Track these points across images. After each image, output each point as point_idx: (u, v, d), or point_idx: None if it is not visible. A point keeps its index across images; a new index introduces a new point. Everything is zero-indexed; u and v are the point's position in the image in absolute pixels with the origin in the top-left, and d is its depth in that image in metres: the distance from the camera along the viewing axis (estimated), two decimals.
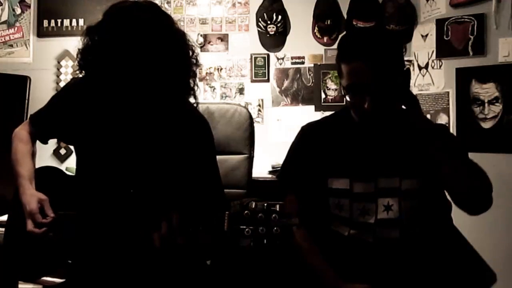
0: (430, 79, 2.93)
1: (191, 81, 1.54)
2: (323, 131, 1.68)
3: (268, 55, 3.32)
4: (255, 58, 3.33)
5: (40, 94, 2.99)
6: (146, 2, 1.50)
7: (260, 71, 3.32)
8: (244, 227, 1.20)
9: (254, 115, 3.18)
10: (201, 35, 3.36)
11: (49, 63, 3.41)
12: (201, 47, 3.32)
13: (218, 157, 1.65)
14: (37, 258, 1.54)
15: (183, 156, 1.54)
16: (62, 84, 3.37)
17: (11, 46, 3.43)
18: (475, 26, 2.67)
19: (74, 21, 3.39)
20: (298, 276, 1.59)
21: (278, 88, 3.33)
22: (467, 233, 1.63)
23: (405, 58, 3.01)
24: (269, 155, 2.97)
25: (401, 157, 1.56)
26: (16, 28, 3.43)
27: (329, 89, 3.27)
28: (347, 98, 1.53)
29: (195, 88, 1.56)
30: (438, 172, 1.50)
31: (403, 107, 1.56)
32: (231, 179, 2.22)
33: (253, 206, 1.21)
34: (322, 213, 1.61)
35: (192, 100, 1.58)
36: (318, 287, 1.54)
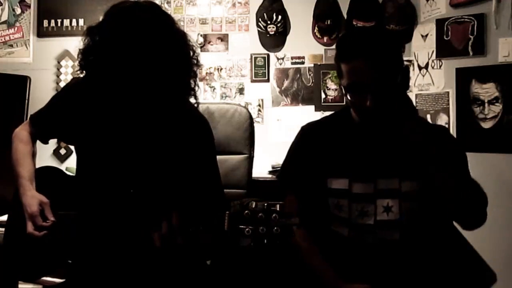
0: (430, 79, 2.93)
1: (191, 81, 1.54)
2: (323, 131, 1.68)
3: (268, 55, 3.32)
4: (255, 58, 3.33)
5: (40, 94, 2.99)
6: (146, 2, 1.50)
7: (260, 71, 3.32)
8: (244, 227, 1.20)
9: (254, 115, 3.18)
10: (201, 35, 3.36)
11: (49, 63, 3.41)
12: (201, 47, 3.32)
13: (218, 157, 1.65)
14: (37, 258, 1.54)
15: (183, 156, 1.54)
16: (62, 84, 3.37)
17: (11, 46, 3.43)
18: (475, 26, 2.67)
19: (74, 21, 3.39)
20: (298, 276, 1.59)
21: (278, 88, 3.33)
22: (467, 233, 1.63)
23: (405, 58, 3.01)
24: (269, 155, 2.97)
25: (401, 158, 1.56)
26: (16, 28, 3.43)
27: (329, 89, 3.27)
28: (348, 97, 1.53)
29: (196, 88, 1.56)
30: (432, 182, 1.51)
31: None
32: (231, 179, 2.22)
33: (253, 206, 1.21)
34: (322, 213, 1.61)
35: (192, 100, 1.58)
36: (318, 287, 1.54)
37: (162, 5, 3.30)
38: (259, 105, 3.34)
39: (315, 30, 3.30)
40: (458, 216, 1.53)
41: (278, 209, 1.20)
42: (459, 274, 1.52)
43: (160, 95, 1.48)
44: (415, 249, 1.54)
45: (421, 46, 3.02)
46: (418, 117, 1.62)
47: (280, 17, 3.29)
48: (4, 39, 3.44)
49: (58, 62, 3.41)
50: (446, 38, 2.81)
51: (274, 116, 3.33)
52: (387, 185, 1.55)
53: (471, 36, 2.69)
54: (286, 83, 3.33)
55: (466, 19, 2.71)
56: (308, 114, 3.23)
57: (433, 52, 2.91)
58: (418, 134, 1.58)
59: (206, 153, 1.60)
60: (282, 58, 3.32)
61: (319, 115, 3.13)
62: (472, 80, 2.68)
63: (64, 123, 1.61)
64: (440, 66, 2.88)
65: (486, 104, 2.61)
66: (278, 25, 3.29)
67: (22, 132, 1.68)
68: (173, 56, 1.45)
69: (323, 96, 3.27)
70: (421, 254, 1.53)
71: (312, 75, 3.29)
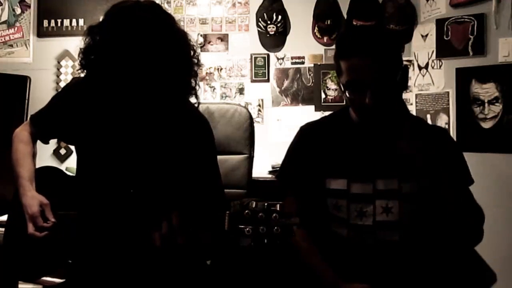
0: (430, 79, 2.93)
1: (192, 80, 1.54)
2: (321, 132, 1.68)
3: (268, 55, 3.32)
4: (255, 58, 3.33)
5: (40, 94, 2.99)
6: (147, 1, 1.50)
7: (260, 71, 3.32)
8: (245, 226, 1.20)
9: (254, 115, 3.18)
10: (201, 35, 3.37)
11: (49, 63, 3.41)
12: (201, 47, 3.32)
13: (218, 157, 1.65)
14: (37, 258, 1.53)
15: (184, 156, 1.54)
16: (62, 84, 3.37)
17: (11, 46, 3.43)
18: (475, 26, 2.67)
19: (74, 21, 3.39)
20: (298, 275, 1.59)
21: (278, 88, 3.33)
22: None
23: (405, 58, 3.01)
24: (269, 155, 2.97)
25: (400, 159, 1.56)
26: (16, 28, 3.43)
27: (329, 89, 3.27)
28: (347, 94, 1.53)
29: (197, 88, 1.56)
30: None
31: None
32: (231, 179, 2.22)
33: (254, 206, 1.20)
34: (321, 214, 1.61)
35: (193, 100, 1.58)
36: (318, 287, 1.54)
37: (162, 5, 3.29)
38: (259, 105, 3.34)
39: (315, 30, 3.30)
40: (451, 231, 1.53)
41: (278, 209, 1.20)
42: (459, 274, 1.52)
43: (160, 94, 1.48)
44: (415, 249, 1.54)
45: (421, 46, 3.02)
46: (417, 118, 1.63)
47: (280, 17, 3.29)
48: (4, 39, 3.44)
49: (58, 62, 3.41)
50: (446, 38, 2.81)
51: (274, 116, 3.33)
52: (386, 185, 1.55)
53: (471, 36, 2.69)
54: (286, 83, 3.33)
55: (466, 19, 2.71)
56: (308, 114, 3.23)
57: (433, 52, 2.91)
58: (418, 135, 1.58)
59: (206, 153, 1.60)
60: (282, 58, 3.32)
61: (319, 115, 3.13)
62: (472, 80, 2.68)
63: (65, 123, 1.61)
64: (440, 66, 2.88)
65: (486, 104, 2.61)
66: (278, 25, 3.29)
67: (22, 132, 1.67)
68: (174, 56, 1.45)
69: (323, 96, 3.27)
70: (421, 254, 1.53)
71: (312, 75, 3.29)
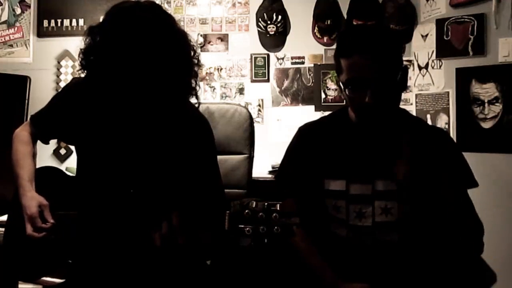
0: (430, 79, 2.93)
1: (192, 81, 1.54)
2: (320, 132, 1.67)
3: (268, 55, 3.32)
4: (255, 58, 3.33)
5: (40, 94, 3.00)
6: (147, 2, 1.50)
7: (260, 71, 3.32)
8: (245, 226, 1.20)
9: (254, 115, 3.18)
10: (201, 35, 3.37)
11: (49, 63, 3.41)
12: (201, 47, 3.32)
13: (218, 157, 1.65)
14: (37, 258, 1.54)
15: (184, 156, 1.54)
16: (62, 84, 3.38)
17: (11, 46, 3.43)
18: (475, 26, 2.67)
19: (74, 21, 3.39)
20: (298, 275, 1.59)
21: (278, 88, 3.33)
22: None
23: (405, 58, 3.01)
24: (269, 155, 2.97)
25: (399, 160, 1.55)
26: (16, 28, 3.43)
27: (329, 89, 3.27)
28: (346, 93, 1.52)
29: (197, 88, 1.56)
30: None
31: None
32: (231, 179, 2.22)
33: (254, 206, 1.20)
34: (321, 215, 1.61)
35: (194, 100, 1.58)
36: (317, 287, 1.54)
37: (162, 5, 3.29)
38: (259, 105, 3.34)
39: (315, 30, 3.30)
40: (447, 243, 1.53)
41: (278, 208, 1.20)
42: (459, 274, 1.52)
43: (160, 95, 1.48)
44: (415, 250, 1.54)
45: (421, 46, 3.02)
46: (417, 118, 1.62)
47: (280, 17, 3.29)
48: (4, 39, 3.44)
49: (58, 62, 3.41)
50: (446, 38, 2.81)
51: (274, 116, 3.33)
52: (385, 186, 1.54)
53: (471, 36, 2.69)
54: (286, 83, 3.33)
55: (466, 19, 2.71)
56: (308, 114, 3.23)
57: (433, 52, 2.91)
58: (417, 135, 1.58)
59: (206, 153, 1.60)
60: (282, 58, 3.32)
61: (319, 115, 3.13)
62: (472, 80, 2.68)
63: (65, 123, 1.61)
64: (440, 66, 2.88)
65: (486, 104, 2.61)
66: (278, 25, 3.29)
67: (22, 133, 1.68)
68: (174, 56, 1.45)
69: (323, 96, 3.27)
70: (421, 255, 1.53)
71: (312, 75, 3.29)
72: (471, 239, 1.52)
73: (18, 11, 3.43)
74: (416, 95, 3.02)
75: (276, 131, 3.30)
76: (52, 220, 1.46)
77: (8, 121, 2.71)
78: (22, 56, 3.43)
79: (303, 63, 3.31)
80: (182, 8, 3.40)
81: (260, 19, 3.32)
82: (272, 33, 3.30)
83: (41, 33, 3.42)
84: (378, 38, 1.50)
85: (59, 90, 2.59)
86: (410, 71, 3.02)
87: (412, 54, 3.07)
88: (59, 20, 3.40)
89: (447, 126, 2.79)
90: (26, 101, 2.91)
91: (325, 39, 3.28)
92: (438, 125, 2.80)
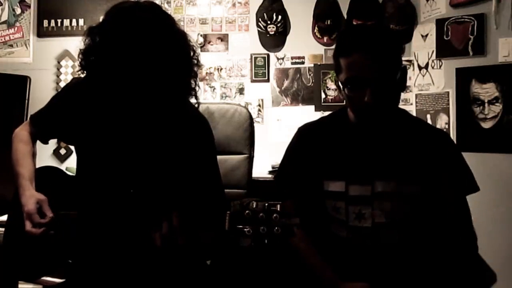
0: (430, 79, 2.93)
1: (192, 81, 1.54)
2: (319, 132, 1.67)
3: (268, 55, 3.32)
4: (255, 58, 3.33)
5: (40, 94, 3.00)
6: (147, 2, 1.50)
7: (260, 71, 3.32)
8: (245, 226, 1.20)
9: (254, 115, 3.18)
10: (201, 35, 3.37)
11: (49, 63, 3.41)
12: (201, 47, 3.32)
13: (218, 157, 1.65)
14: (37, 258, 1.53)
15: (183, 156, 1.54)
16: (62, 84, 3.38)
17: (11, 46, 3.43)
18: (475, 26, 2.67)
19: (74, 21, 3.39)
20: (298, 275, 1.59)
21: (278, 88, 3.33)
22: None
23: (405, 58, 3.02)
24: (269, 155, 2.97)
25: (399, 160, 1.55)
26: (16, 28, 3.43)
27: (329, 89, 3.27)
28: (345, 92, 1.51)
29: (197, 88, 1.56)
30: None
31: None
32: (231, 179, 2.22)
33: (254, 206, 1.20)
34: (320, 215, 1.61)
35: (193, 100, 1.58)
36: (317, 287, 1.54)
37: (162, 5, 3.30)
38: (259, 105, 3.34)
39: (315, 30, 3.30)
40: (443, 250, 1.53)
41: (278, 209, 1.19)
42: (459, 274, 1.52)
43: (160, 95, 1.48)
44: (414, 250, 1.54)
45: (421, 46, 3.02)
46: (417, 119, 1.62)
47: (280, 17, 3.29)
48: (4, 39, 3.44)
49: (58, 62, 3.41)
50: (446, 38, 2.81)
51: (274, 116, 3.33)
52: (385, 187, 1.54)
53: (471, 36, 2.69)
54: (286, 83, 3.33)
55: (466, 19, 2.71)
56: (308, 114, 3.23)
57: (433, 52, 2.91)
58: (417, 136, 1.58)
59: (206, 153, 1.60)
60: (282, 58, 3.32)
61: (319, 115, 3.13)
62: (472, 80, 2.68)
63: (65, 123, 1.61)
64: (440, 66, 2.88)
65: (486, 104, 2.61)
66: (278, 25, 3.29)
67: (22, 132, 1.68)
68: (174, 56, 1.45)
69: (323, 96, 3.27)
70: (421, 255, 1.53)
71: (312, 75, 3.29)
72: (462, 252, 1.52)
73: (18, 11, 3.43)
74: (416, 95, 3.02)
75: (276, 131, 3.30)
76: (51, 214, 1.45)
77: (8, 121, 2.71)
78: (22, 56, 3.43)
79: (303, 63, 3.31)
80: (182, 8, 3.40)
81: (260, 19, 3.32)
82: (272, 33, 3.30)
83: (41, 33, 3.42)
84: (378, 37, 1.49)
85: (59, 90, 2.60)
86: (410, 71, 3.02)
87: (412, 54, 3.07)
88: (59, 20, 3.40)
89: (447, 126, 2.79)
90: (26, 101, 2.91)
91: (325, 39, 3.28)
92: (438, 125, 2.81)
